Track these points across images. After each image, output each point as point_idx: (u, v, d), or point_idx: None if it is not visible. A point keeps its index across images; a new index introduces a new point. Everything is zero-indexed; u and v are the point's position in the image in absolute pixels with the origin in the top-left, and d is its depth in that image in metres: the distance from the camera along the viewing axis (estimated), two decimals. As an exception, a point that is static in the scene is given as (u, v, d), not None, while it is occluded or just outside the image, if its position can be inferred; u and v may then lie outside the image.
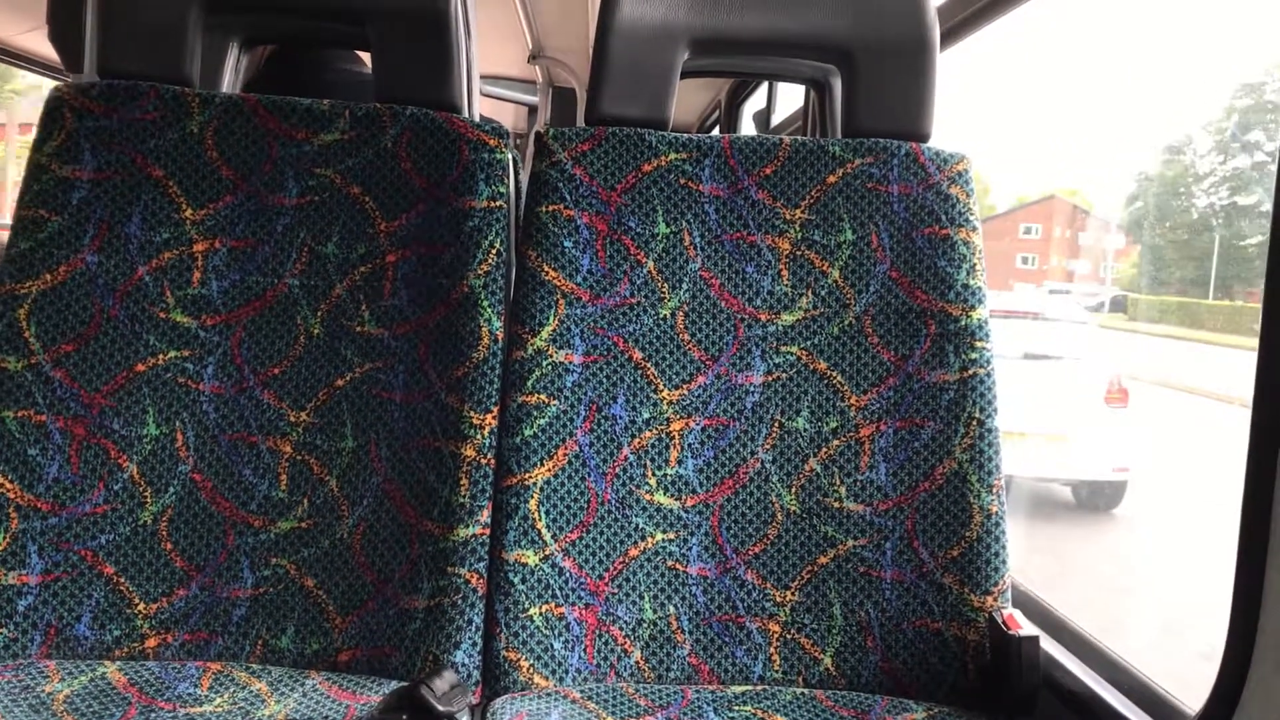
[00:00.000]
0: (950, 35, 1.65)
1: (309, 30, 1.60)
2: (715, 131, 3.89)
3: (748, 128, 3.57)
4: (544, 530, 1.22)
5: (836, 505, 1.26)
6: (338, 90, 1.74)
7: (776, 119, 3.22)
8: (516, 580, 1.21)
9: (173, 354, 1.24)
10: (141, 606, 1.20)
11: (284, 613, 1.22)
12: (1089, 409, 6.07)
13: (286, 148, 1.28)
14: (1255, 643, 0.92)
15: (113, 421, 1.22)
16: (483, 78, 4.47)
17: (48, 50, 2.54)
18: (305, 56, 1.87)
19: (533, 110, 5.12)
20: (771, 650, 1.24)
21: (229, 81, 1.56)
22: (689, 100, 4.14)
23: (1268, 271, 0.91)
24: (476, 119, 1.32)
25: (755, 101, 3.53)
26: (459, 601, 1.19)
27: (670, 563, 1.25)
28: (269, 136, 1.28)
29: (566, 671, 1.21)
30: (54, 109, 1.26)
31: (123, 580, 1.20)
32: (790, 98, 3.14)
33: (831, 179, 1.30)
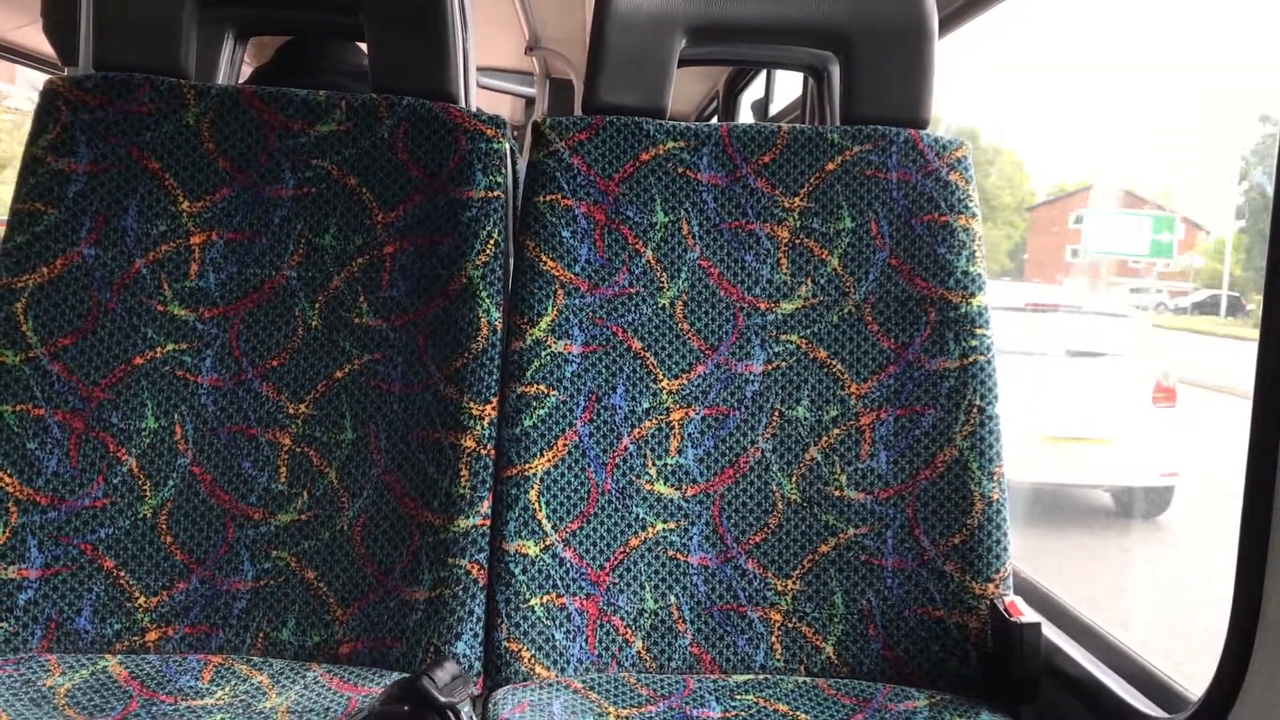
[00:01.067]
0: (949, 22, 1.65)
1: (304, 21, 1.59)
2: (713, 121, 3.88)
3: (745, 117, 3.56)
4: (544, 521, 1.22)
5: (837, 494, 1.25)
6: (347, 83, 1.73)
7: (775, 108, 3.21)
8: (517, 571, 1.21)
9: (171, 347, 1.24)
10: (142, 600, 1.20)
11: (285, 605, 1.21)
12: (1134, 410, 5.67)
13: (283, 139, 1.28)
14: (1257, 628, 0.92)
15: (111, 415, 1.22)
16: (479, 70, 4.44)
17: (42, 45, 2.52)
18: (314, 49, 1.87)
19: (530, 102, 5.11)
20: (773, 639, 1.24)
21: (225, 73, 1.56)
22: (687, 90, 4.13)
23: (1269, 258, 0.91)
24: (474, 109, 1.32)
25: (754, 91, 3.52)
26: (460, 593, 1.18)
27: (671, 552, 1.25)
28: (265, 128, 1.28)
29: (568, 662, 1.21)
30: (49, 102, 1.26)
31: (123, 574, 1.20)
32: (789, 87, 3.13)
33: (830, 166, 1.30)
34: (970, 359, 1.26)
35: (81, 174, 1.24)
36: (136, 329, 1.23)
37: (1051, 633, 1.26)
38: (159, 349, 1.24)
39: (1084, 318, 6.49)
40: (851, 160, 1.30)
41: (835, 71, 1.63)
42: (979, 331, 1.26)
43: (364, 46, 1.82)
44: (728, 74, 3.54)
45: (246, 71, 1.85)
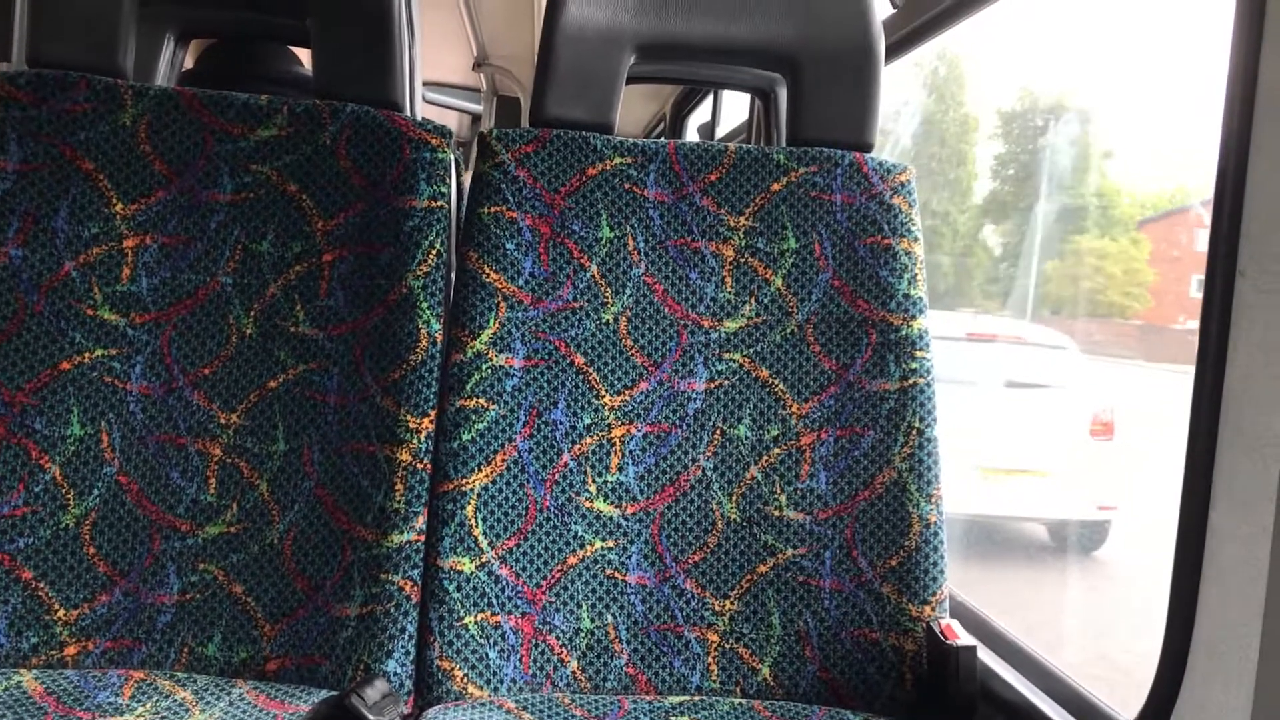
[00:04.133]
0: (895, 49, 1.66)
1: (248, 23, 1.56)
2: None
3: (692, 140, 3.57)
4: (481, 537, 1.20)
5: (776, 514, 1.25)
6: (275, 89, 1.70)
7: (721, 131, 3.22)
8: (451, 588, 1.19)
9: (99, 352, 1.21)
10: (61, 613, 1.16)
11: (211, 620, 1.18)
12: (1071, 442, 5.53)
13: (222, 143, 1.25)
14: (1189, 652, 0.93)
15: (35, 421, 1.18)
16: (427, 84, 4.43)
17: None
18: (243, 53, 1.84)
19: (477, 119, 5.09)
20: (710, 660, 1.23)
21: (164, 75, 1.53)
22: (634, 112, 4.14)
23: (1205, 281, 0.92)
24: (419, 119, 1.30)
25: (701, 114, 3.54)
26: (392, 609, 1.16)
27: (609, 571, 1.23)
28: (204, 131, 1.25)
29: (501, 681, 1.19)
30: None
31: (42, 585, 1.16)
32: (735, 111, 3.15)
33: (776, 187, 1.30)
34: (910, 381, 1.26)
35: (11, 172, 1.21)
36: (64, 333, 1.20)
37: (986, 656, 1.27)
38: (87, 354, 1.20)
39: (1029, 350, 6.32)
40: (797, 181, 1.30)
41: (783, 94, 1.64)
42: (919, 354, 1.27)
43: (296, 52, 1.80)
44: (675, 97, 3.56)
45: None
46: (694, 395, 1.27)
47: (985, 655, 1.26)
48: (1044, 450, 5.51)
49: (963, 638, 1.17)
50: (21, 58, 1.52)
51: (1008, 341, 6.32)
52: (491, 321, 1.24)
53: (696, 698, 1.21)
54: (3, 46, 1.68)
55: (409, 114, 1.34)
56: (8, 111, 1.22)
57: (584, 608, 1.22)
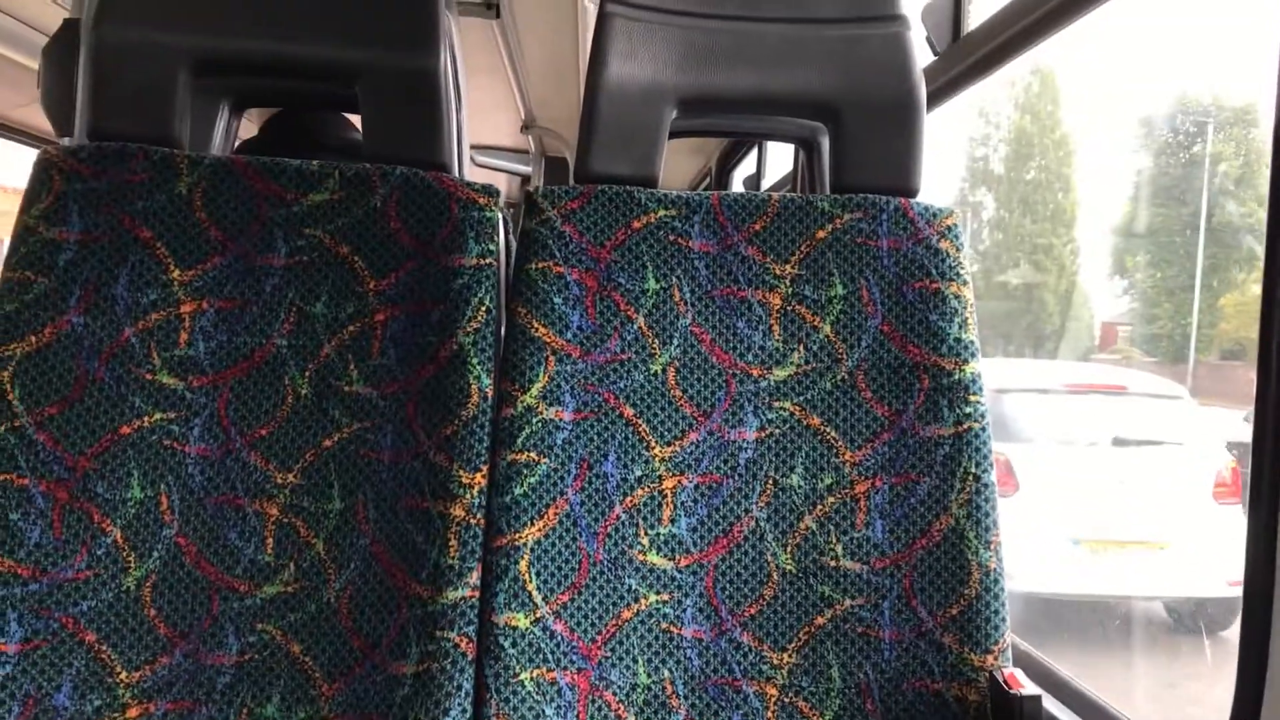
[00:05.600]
0: (937, 95, 1.67)
1: (299, 92, 1.60)
2: (707, 198, 3.91)
3: (739, 193, 3.59)
4: (535, 592, 1.20)
5: (833, 564, 1.23)
6: (337, 156, 1.74)
7: (766, 183, 3.24)
8: (507, 644, 1.18)
9: (159, 416, 1.23)
10: (124, 675, 1.18)
11: (269, 680, 1.19)
12: (1194, 507, 4.89)
13: (275, 208, 1.28)
14: (1266, 678, 0.90)
15: (96, 485, 1.20)
16: (477, 148, 4.50)
17: (41, 122, 2.55)
18: (300, 123, 1.88)
19: (526, 180, 5.17)
20: (769, 714, 1.21)
21: (219, 144, 1.57)
22: (680, 166, 4.17)
23: (1264, 281, 0.91)
24: (466, 179, 1.32)
25: (746, 167, 3.56)
26: (448, 666, 1.16)
27: (664, 625, 1.22)
28: (258, 197, 1.28)
29: None
30: (42, 172, 1.26)
31: (104, 648, 1.18)
32: (781, 162, 3.17)
33: (821, 234, 1.30)
34: (964, 426, 1.25)
35: (73, 243, 1.24)
36: (124, 398, 1.22)
37: (1052, 706, 1.24)
38: (147, 418, 1.23)
39: (1137, 400, 5.59)
40: (842, 228, 1.30)
41: (825, 142, 1.64)
42: (973, 398, 1.25)
43: (352, 119, 1.84)
44: (720, 150, 3.59)
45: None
46: (745, 445, 1.26)
47: (1051, 705, 1.23)
48: (1160, 517, 4.86)
49: (1027, 687, 1.14)
50: (83, 132, 1.57)
51: (1107, 392, 5.63)
52: (540, 375, 1.24)
53: None
54: (65, 123, 1.74)
55: (457, 174, 1.36)
56: (70, 184, 1.26)
57: (640, 662, 1.21)
